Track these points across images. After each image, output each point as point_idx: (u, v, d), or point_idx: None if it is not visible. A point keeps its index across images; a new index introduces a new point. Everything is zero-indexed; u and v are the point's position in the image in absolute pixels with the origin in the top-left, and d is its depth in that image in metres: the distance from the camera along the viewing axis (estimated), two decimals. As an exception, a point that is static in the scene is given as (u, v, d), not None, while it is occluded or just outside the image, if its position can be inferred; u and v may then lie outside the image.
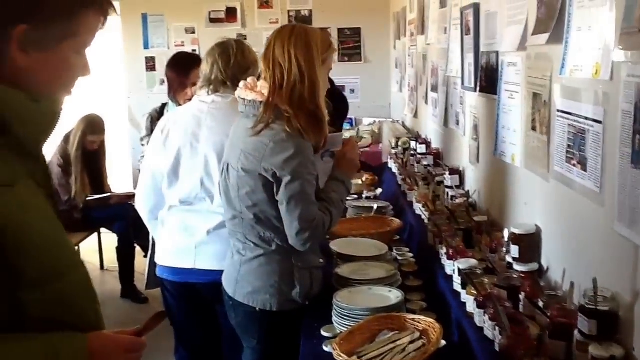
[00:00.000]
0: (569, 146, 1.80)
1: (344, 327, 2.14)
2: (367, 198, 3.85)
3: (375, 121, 6.81)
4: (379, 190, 4.06)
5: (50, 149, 5.66)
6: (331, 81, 4.47)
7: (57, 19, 1.17)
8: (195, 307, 2.77)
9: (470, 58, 2.93)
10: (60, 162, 5.15)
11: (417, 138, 4.44)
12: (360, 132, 6.61)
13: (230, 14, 6.82)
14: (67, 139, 5.18)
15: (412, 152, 4.24)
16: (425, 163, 3.87)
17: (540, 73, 2.02)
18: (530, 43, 2.10)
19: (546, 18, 1.93)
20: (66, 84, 1.26)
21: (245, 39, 5.81)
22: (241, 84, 2.22)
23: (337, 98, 4.53)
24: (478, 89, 2.79)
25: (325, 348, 2.10)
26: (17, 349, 1.15)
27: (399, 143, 4.60)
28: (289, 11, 6.90)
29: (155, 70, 6.89)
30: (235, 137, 2.21)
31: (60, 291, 1.21)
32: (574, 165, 1.77)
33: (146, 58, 6.98)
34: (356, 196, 3.94)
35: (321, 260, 2.32)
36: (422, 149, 4.17)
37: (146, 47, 6.95)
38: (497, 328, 1.73)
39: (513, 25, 2.30)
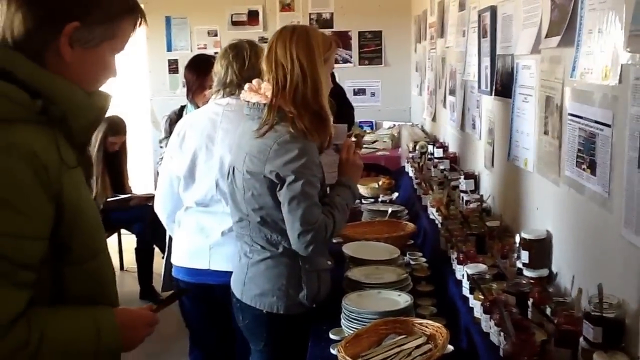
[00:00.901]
0: (579, 150, 1.77)
1: (352, 330, 2.12)
2: (383, 202, 3.84)
3: (394, 125, 6.80)
4: (395, 194, 4.04)
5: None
6: (338, 86, 4.48)
7: (105, 20, 1.31)
8: (209, 308, 2.77)
9: (486, 61, 2.90)
10: None
11: (435, 142, 4.41)
12: (380, 136, 6.60)
13: (252, 16, 6.86)
14: None
15: (429, 157, 4.21)
16: (441, 167, 3.84)
17: (552, 76, 1.99)
18: (543, 46, 2.08)
19: (558, 20, 1.90)
20: (99, 81, 1.38)
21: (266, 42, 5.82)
22: (246, 86, 2.22)
23: (344, 103, 4.55)
24: (493, 92, 2.76)
25: (332, 351, 2.09)
26: (67, 321, 1.28)
27: (417, 147, 4.57)
28: (310, 14, 6.91)
29: (177, 73, 6.94)
30: (241, 140, 2.21)
31: (95, 269, 1.36)
32: (583, 169, 1.74)
33: (169, 60, 7.04)
34: (372, 200, 3.94)
35: (329, 263, 2.31)
36: (439, 153, 4.14)
37: (169, 49, 7.01)
38: (502, 334, 1.71)
39: (528, 27, 2.28)
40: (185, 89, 4.02)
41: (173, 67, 7.02)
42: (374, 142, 6.50)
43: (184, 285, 2.77)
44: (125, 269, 5.65)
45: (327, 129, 2.12)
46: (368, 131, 6.89)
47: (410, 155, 4.49)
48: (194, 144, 2.63)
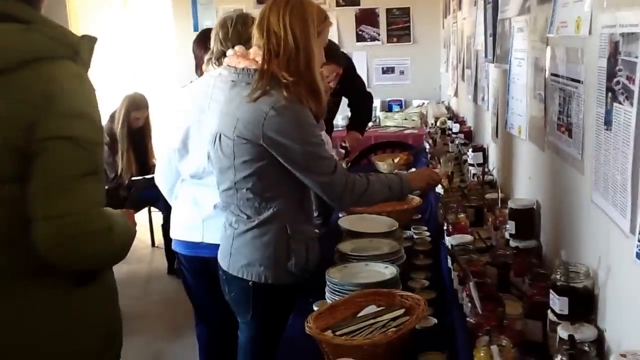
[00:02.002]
0: (559, 112, 1.67)
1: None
2: (396, 177, 3.76)
3: (423, 103, 6.67)
4: (413, 170, 3.95)
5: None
6: (357, 78, 4.34)
7: None
8: (209, 282, 2.75)
9: (490, 28, 2.78)
10: (107, 139, 5.25)
11: (455, 117, 4.30)
12: (409, 114, 6.49)
13: (279, -7, 6.77)
14: (112, 117, 5.31)
15: (448, 132, 4.12)
16: (458, 142, 3.75)
17: (538, 35, 1.88)
18: (531, 3, 1.96)
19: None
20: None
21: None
22: (229, 52, 2.17)
23: (364, 95, 4.44)
24: (494, 59, 2.65)
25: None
26: (116, 216, 1.54)
27: (437, 123, 4.48)
28: (336, -9, 6.80)
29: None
30: (229, 106, 2.15)
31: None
32: (562, 132, 1.64)
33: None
34: (387, 176, 3.86)
35: (316, 231, 2.26)
36: (456, 128, 4.05)
37: (195, 29, 7.00)
38: (469, 305, 1.63)
39: (521, -13, 2.16)
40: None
41: (200, 46, 7.00)
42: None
43: (182, 259, 2.79)
44: (156, 245, 5.77)
45: (322, 101, 2.07)
46: (397, 110, 6.78)
47: (428, 130, 4.40)
48: (188, 116, 2.62)
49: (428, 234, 2.80)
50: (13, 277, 1.43)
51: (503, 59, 2.46)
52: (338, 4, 6.79)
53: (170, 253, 5.16)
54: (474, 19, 3.46)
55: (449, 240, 2.10)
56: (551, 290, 1.44)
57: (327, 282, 2.16)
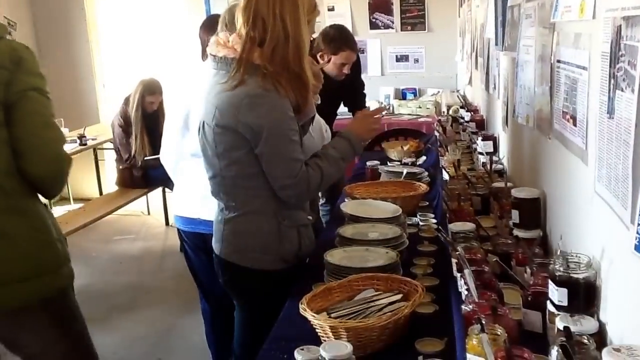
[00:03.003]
0: (565, 99, 1.64)
1: (332, 286, 2.07)
2: (405, 164, 3.74)
3: (438, 92, 6.61)
4: (423, 158, 3.93)
5: (112, 112, 5.91)
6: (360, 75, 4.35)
7: None
8: (208, 257, 2.78)
9: (500, 15, 2.74)
10: (121, 122, 5.44)
11: (467, 106, 4.26)
12: (423, 103, 6.44)
13: (292, -19, 6.73)
14: (127, 101, 5.47)
15: (460, 120, 4.08)
16: (469, 130, 3.71)
17: (546, 21, 1.84)
18: (540, -11, 1.93)
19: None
20: None
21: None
22: (212, 39, 2.10)
23: (363, 94, 4.45)
24: (503, 47, 2.61)
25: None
26: None
27: (450, 112, 4.45)
28: (351, -22, 6.73)
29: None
30: (209, 95, 2.09)
31: None
32: (567, 120, 1.61)
33: (208, 22, 7.01)
34: (399, 162, 3.84)
35: (309, 217, 2.24)
36: (468, 116, 4.01)
37: (208, 12, 6.99)
38: (465, 293, 1.61)
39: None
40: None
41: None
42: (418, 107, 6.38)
43: (183, 234, 2.90)
44: (170, 224, 5.86)
45: (307, 93, 2.01)
46: (411, 98, 6.73)
47: (439, 119, 4.36)
48: (190, 96, 2.65)
49: (434, 220, 2.78)
50: (22, 196, 1.93)
51: (512, 47, 2.42)
52: (352, -8, 6.75)
53: (182, 231, 5.25)
54: (486, 7, 3.42)
55: (450, 228, 2.07)
56: (550, 281, 1.41)
57: (325, 265, 2.15)
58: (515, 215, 1.97)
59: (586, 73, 1.44)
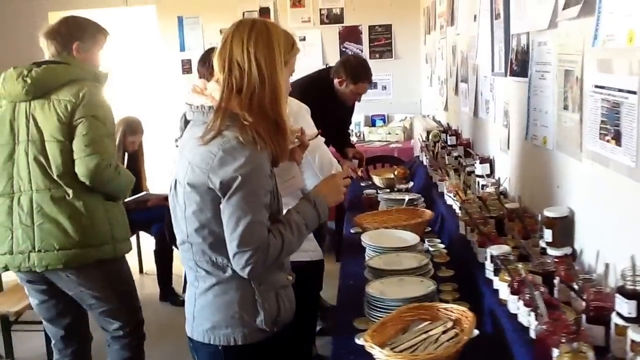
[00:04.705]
0: (602, 122, 1.72)
1: (376, 318, 2.08)
2: (399, 191, 3.80)
3: (406, 117, 6.75)
4: (411, 184, 4.01)
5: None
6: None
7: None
8: None
9: (500, 43, 2.85)
10: None
11: (448, 130, 4.37)
12: (392, 129, 6.56)
13: (264, 13, 6.83)
14: None
15: (442, 145, 4.17)
16: (455, 154, 3.80)
17: (572, 49, 1.94)
18: (561, 18, 2.03)
19: (576, -10, 1.86)
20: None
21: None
22: (189, 87, 1.94)
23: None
24: (508, 73, 2.71)
25: (357, 341, 2.05)
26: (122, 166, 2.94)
27: (430, 136, 4.54)
28: (320, 10, 6.88)
29: (191, 73, 6.93)
30: (183, 149, 1.90)
31: None
32: (607, 141, 1.69)
33: (182, 61, 7.04)
34: (388, 190, 3.90)
35: (289, 278, 2.01)
36: (452, 140, 4.11)
37: (182, 49, 7.01)
38: (532, 314, 1.66)
39: (543, 3, 2.23)
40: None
41: (186, 67, 7.01)
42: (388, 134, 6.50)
43: None
44: (144, 272, 5.64)
45: (285, 141, 1.84)
46: (380, 124, 6.85)
47: (424, 144, 4.45)
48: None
49: (443, 246, 2.84)
50: (76, 190, 2.67)
51: (521, 73, 2.52)
52: (322, 22, 6.90)
53: (163, 278, 5.10)
54: (473, 35, 3.54)
55: (488, 251, 2.13)
56: (618, 294, 1.47)
57: (368, 299, 2.17)
58: (547, 234, 2.03)
59: (634, 97, 1.53)
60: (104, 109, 2.72)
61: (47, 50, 2.80)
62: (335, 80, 4.10)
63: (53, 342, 3.00)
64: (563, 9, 2.00)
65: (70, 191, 2.66)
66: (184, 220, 1.86)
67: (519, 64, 2.56)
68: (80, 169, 2.63)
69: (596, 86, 1.75)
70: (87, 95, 2.65)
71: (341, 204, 4.99)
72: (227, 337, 1.87)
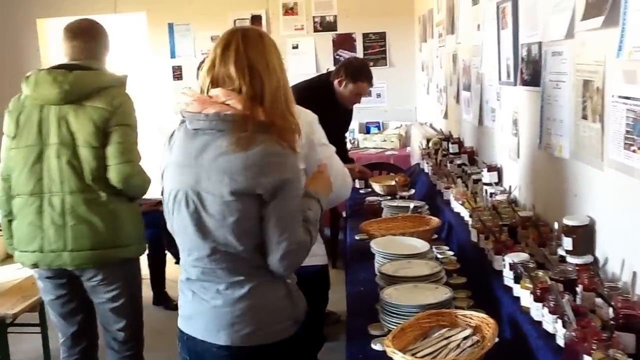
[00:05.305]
0: (627, 132, 1.74)
1: (392, 324, 2.09)
2: (402, 198, 3.81)
3: (402, 125, 6.78)
4: (412, 191, 4.02)
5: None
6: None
7: None
8: None
9: (508, 52, 2.88)
10: None
11: (449, 138, 4.38)
12: (388, 136, 6.59)
13: (256, 21, 6.83)
14: None
15: (444, 152, 4.19)
16: (458, 162, 3.82)
17: (591, 59, 1.96)
18: (579, 29, 2.05)
19: (599, 1, 1.88)
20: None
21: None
22: (188, 99, 1.86)
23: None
24: (518, 82, 2.73)
25: (374, 346, 2.05)
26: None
27: (430, 144, 4.55)
28: (313, 17, 6.89)
29: (182, 79, 6.91)
30: (201, 159, 1.81)
31: None
32: (633, 151, 1.71)
33: (173, 67, 7.02)
34: (389, 197, 3.91)
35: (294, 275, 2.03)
36: (454, 148, 4.12)
37: (173, 56, 6.98)
38: (559, 321, 1.67)
39: (557, 13, 2.25)
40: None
41: (177, 73, 6.99)
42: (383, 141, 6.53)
43: None
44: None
45: (295, 141, 1.85)
46: (375, 132, 6.88)
47: (425, 152, 4.47)
48: None
49: (451, 253, 2.86)
50: (107, 194, 2.74)
51: (533, 82, 2.55)
52: (316, 30, 6.90)
53: (156, 283, 5.08)
54: (476, 44, 3.56)
55: (507, 259, 2.14)
56: (650, 303, 1.49)
57: (383, 305, 2.17)
58: (567, 242, 2.05)
59: (662, 107, 1.55)
60: (134, 117, 2.82)
61: (68, 49, 2.84)
62: (335, 82, 4.11)
63: (62, 339, 3.01)
64: (582, 19, 2.02)
65: (103, 194, 2.73)
66: (221, 230, 1.80)
67: (530, 74, 2.58)
68: (114, 175, 2.70)
69: (620, 96, 1.77)
70: (122, 104, 2.75)
71: (335, 209, 4.98)
72: (276, 333, 1.88)
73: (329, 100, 4.07)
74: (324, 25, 6.85)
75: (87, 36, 2.85)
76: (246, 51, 1.80)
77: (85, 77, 2.74)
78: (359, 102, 4.28)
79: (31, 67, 6.63)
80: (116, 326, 2.94)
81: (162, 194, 1.98)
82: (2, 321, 3.74)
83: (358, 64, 4.18)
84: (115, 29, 7.20)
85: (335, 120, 4.10)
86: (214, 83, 1.83)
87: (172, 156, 1.90)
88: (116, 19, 7.01)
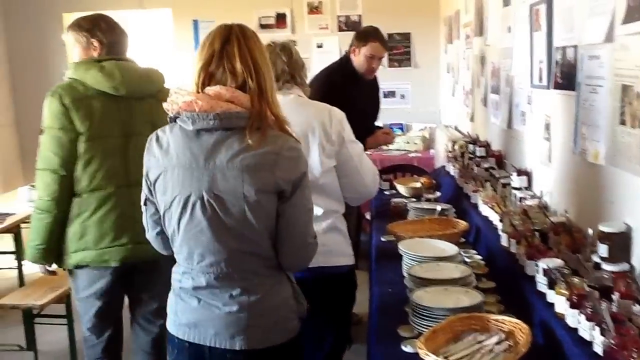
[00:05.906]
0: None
1: (422, 327, 2.08)
2: (428, 200, 3.79)
3: (426, 127, 6.75)
4: (438, 193, 4.00)
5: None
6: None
7: None
8: None
9: (541, 55, 2.85)
10: None
11: (476, 141, 4.35)
12: (411, 138, 6.56)
13: (280, 19, 6.85)
14: None
15: (470, 155, 4.16)
16: (485, 165, 3.79)
17: (631, 63, 1.93)
18: (620, 33, 2.02)
19: (641, 5, 1.85)
20: None
21: (295, 44, 5.80)
22: (187, 98, 1.76)
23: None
24: (552, 85, 2.70)
25: (404, 348, 2.04)
26: None
27: (456, 147, 4.52)
28: (338, 16, 6.89)
29: (206, 76, 6.94)
30: (213, 159, 1.77)
31: None
32: (677, 158, 1.69)
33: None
34: (415, 199, 3.89)
35: None
36: (481, 151, 4.09)
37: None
38: (596, 328, 1.65)
39: (595, 17, 2.23)
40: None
41: (202, 70, 7.02)
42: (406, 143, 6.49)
43: None
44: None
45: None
46: (399, 133, 6.85)
47: (451, 154, 4.44)
48: None
49: (480, 257, 2.84)
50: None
51: (568, 86, 2.52)
52: (340, 29, 6.90)
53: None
54: (507, 46, 3.53)
55: (541, 264, 2.12)
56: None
57: (413, 307, 2.16)
58: (603, 249, 2.02)
59: None
60: None
61: (122, 47, 2.89)
62: (351, 56, 4.09)
63: (88, 325, 2.92)
64: (623, 23, 1.99)
65: None
66: (241, 230, 1.77)
67: (565, 77, 2.55)
68: None
69: (664, 102, 1.75)
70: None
71: (359, 210, 4.93)
72: (288, 331, 1.91)
73: (352, 77, 4.07)
74: (349, 25, 6.84)
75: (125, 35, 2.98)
76: (247, 46, 1.79)
77: (154, 73, 2.95)
78: (377, 67, 4.20)
79: (57, 62, 6.84)
80: (157, 322, 3.01)
81: (146, 200, 1.96)
82: (30, 312, 3.81)
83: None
84: (141, 24, 7.30)
85: (363, 107, 4.07)
86: (211, 80, 1.78)
87: (171, 159, 1.82)
88: (142, 15, 7.08)
